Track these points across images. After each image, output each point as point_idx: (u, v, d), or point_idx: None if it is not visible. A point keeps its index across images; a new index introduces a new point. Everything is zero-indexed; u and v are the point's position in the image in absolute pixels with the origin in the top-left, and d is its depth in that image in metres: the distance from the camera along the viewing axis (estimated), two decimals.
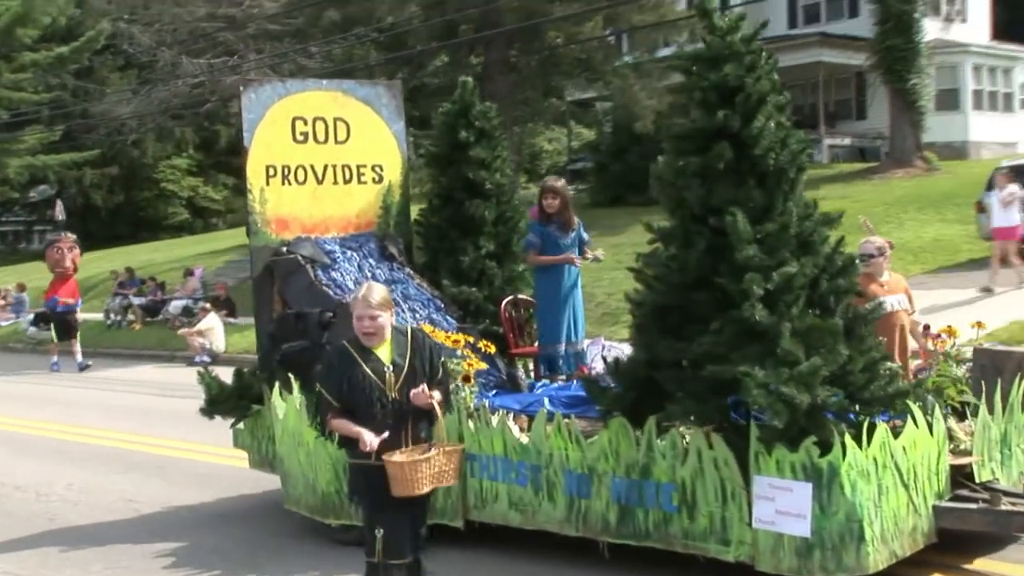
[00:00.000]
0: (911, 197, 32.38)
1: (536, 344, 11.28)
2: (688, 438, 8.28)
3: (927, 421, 8.17)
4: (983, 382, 9.19)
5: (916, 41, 39.88)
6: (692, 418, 8.21)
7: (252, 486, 12.35)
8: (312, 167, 11.21)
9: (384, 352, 7.43)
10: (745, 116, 8.11)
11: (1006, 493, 8.31)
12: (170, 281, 38.53)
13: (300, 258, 10.91)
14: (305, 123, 11.15)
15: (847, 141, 46.50)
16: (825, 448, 7.66)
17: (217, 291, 33.09)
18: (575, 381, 10.57)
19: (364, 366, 7.39)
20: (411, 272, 11.41)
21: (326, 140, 11.26)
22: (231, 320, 29.94)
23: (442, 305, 11.12)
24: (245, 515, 11.53)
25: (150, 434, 17.11)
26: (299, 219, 11.16)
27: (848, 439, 7.62)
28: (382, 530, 7.35)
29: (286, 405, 10.14)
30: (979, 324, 9.85)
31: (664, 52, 37.39)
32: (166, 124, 48.57)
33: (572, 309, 11.19)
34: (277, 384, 10.34)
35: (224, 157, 66.71)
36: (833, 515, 7.62)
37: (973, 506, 8.18)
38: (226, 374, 11.68)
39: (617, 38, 39.61)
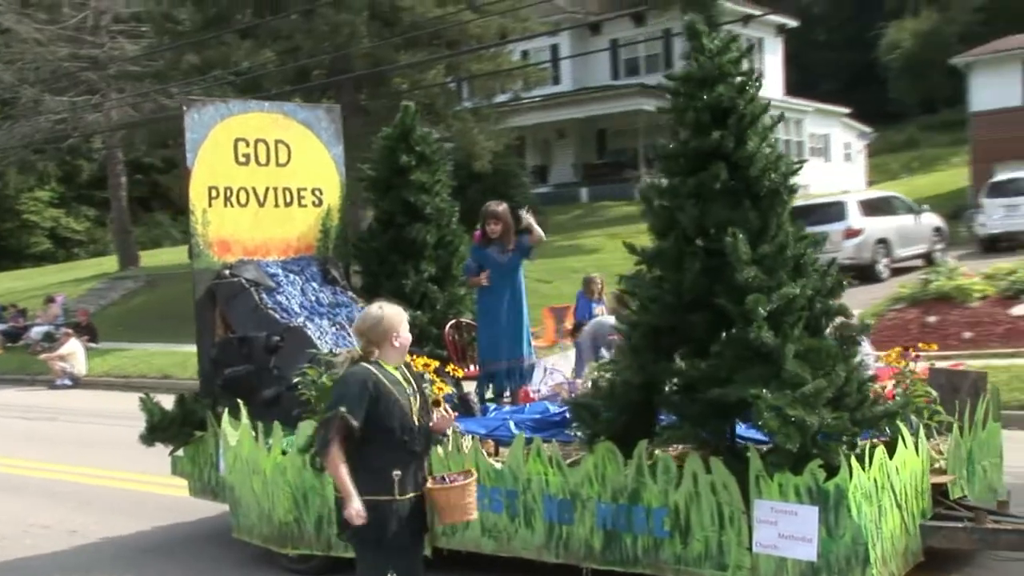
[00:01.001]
0: None
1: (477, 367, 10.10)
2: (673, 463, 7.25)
3: (914, 441, 7.37)
4: (941, 401, 8.30)
5: None
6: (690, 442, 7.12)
7: (172, 515, 10.94)
8: (254, 189, 9.91)
9: (399, 375, 6.19)
10: (738, 137, 7.18)
11: (989, 512, 7.46)
12: (32, 308, 36.50)
13: (244, 281, 9.56)
14: (247, 145, 9.83)
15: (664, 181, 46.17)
16: (829, 471, 6.73)
17: (79, 317, 31.71)
18: (527, 404, 9.44)
19: (394, 390, 6.09)
20: (354, 296, 10.11)
21: (267, 162, 9.96)
22: (92, 345, 28.99)
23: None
24: (187, 545, 10.04)
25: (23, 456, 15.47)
26: (241, 241, 9.83)
27: (853, 461, 6.74)
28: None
29: (239, 432, 8.72)
30: (928, 345, 8.97)
31: (501, 98, 37.81)
32: (28, 158, 46.52)
33: (513, 326, 10.02)
34: (227, 410, 8.89)
35: (86, 190, 63.84)
36: (840, 538, 6.70)
37: (959, 524, 7.36)
38: (89, 397, 10.26)
39: (457, 85, 38.95)
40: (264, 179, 9.97)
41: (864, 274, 24.23)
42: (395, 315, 6.21)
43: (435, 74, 36.09)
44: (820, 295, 7.22)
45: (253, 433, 8.71)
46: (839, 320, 7.40)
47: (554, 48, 47.30)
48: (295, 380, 8.79)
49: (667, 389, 7.32)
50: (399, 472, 6.05)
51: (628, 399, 7.34)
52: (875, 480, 6.87)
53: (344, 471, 5.93)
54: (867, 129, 51.04)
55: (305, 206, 10.26)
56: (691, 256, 7.10)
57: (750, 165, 7.12)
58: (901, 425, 7.29)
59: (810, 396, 6.76)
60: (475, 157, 36.04)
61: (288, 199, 10.12)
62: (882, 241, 26.01)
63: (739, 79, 7.33)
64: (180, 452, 10.02)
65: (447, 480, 6.33)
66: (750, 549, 6.97)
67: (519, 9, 34.92)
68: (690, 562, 7.20)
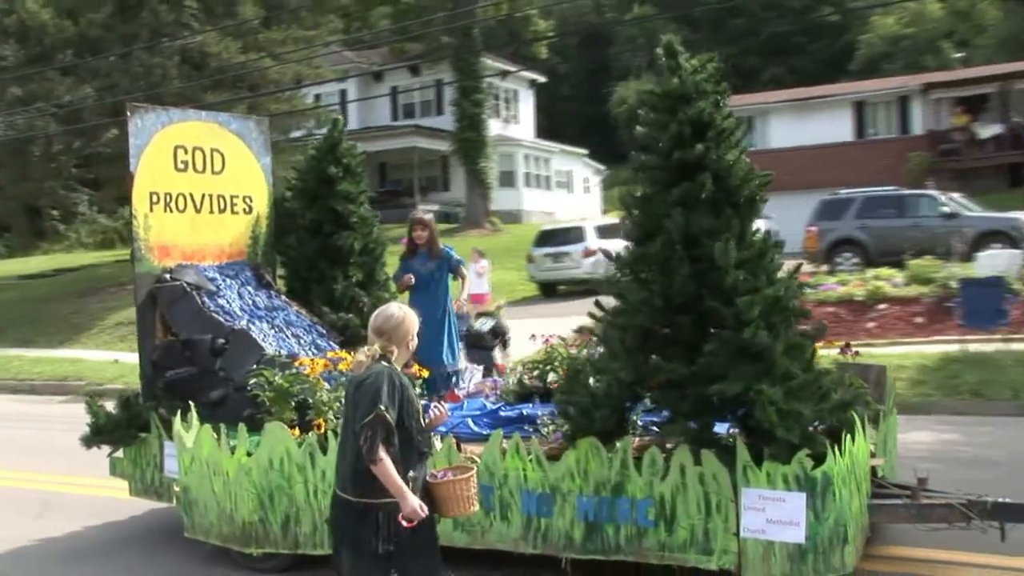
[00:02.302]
0: (497, 251, 31.91)
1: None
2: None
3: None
4: None
5: (484, 135, 42.84)
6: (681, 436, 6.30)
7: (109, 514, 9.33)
8: (191, 195, 8.60)
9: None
10: (718, 149, 6.49)
11: (923, 490, 6.92)
12: None
13: (185, 285, 8.18)
14: (186, 152, 8.52)
15: (436, 207, 45.88)
16: (815, 459, 6.12)
17: None
18: (465, 401, 8.46)
19: (410, 391, 5.19)
20: (287, 299, 8.85)
21: (204, 170, 8.66)
22: None
23: (324, 331, 8.65)
24: (134, 545, 8.50)
25: None
26: (179, 246, 8.52)
27: (836, 449, 6.18)
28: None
29: (199, 434, 7.39)
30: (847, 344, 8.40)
31: (296, 134, 36.82)
32: None
33: (435, 335, 9.02)
34: (179, 413, 7.54)
35: None
36: (825, 521, 6.12)
37: (899, 502, 6.88)
38: None
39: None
40: (201, 186, 8.65)
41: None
42: (413, 318, 5.30)
43: (238, 112, 35.38)
44: (790, 296, 6.54)
45: (214, 435, 7.37)
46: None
47: (343, 92, 46.25)
48: (250, 381, 7.54)
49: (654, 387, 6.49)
50: (414, 473, 5.11)
51: (622, 397, 6.46)
52: (846, 466, 6.28)
53: (394, 472, 4.92)
54: (602, 167, 51.78)
55: (237, 213, 8.97)
56: (679, 261, 6.32)
57: (729, 176, 6.47)
58: (854, 414, 6.69)
59: (798, 390, 6.14)
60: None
61: (222, 206, 8.83)
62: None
63: (714, 96, 6.59)
64: (119, 454, 8.52)
65: (438, 476, 5.35)
66: (736, 534, 6.27)
67: (312, 58, 35.15)
68: (675, 548, 6.44)
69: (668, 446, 6.61)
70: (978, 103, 37.49)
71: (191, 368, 8.04)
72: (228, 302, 8.31)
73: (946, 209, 24.95)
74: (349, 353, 7.95)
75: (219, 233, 8.79)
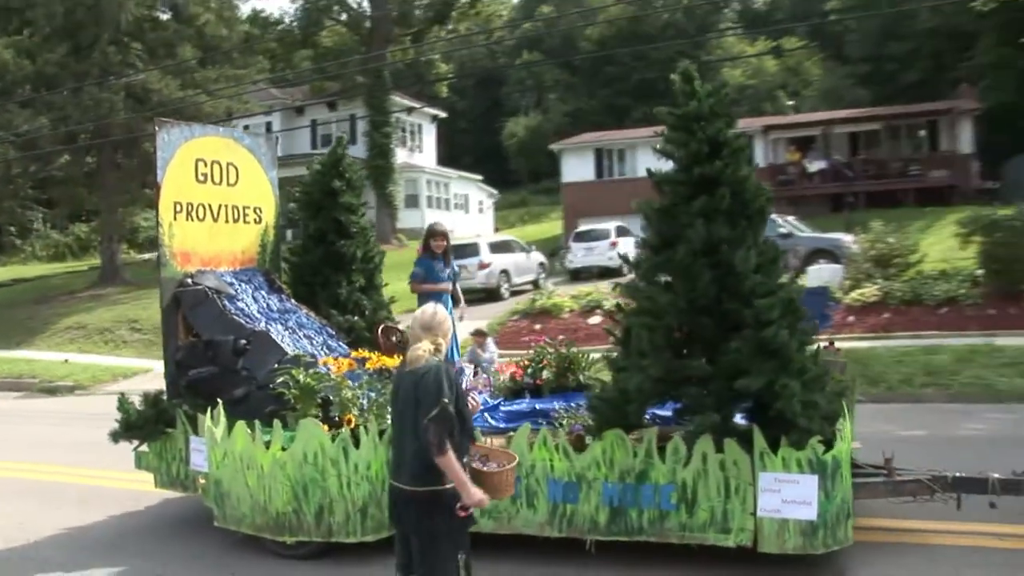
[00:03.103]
0: (394, 264, 31.25)
1: None
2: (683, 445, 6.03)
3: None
4: None
5: (391, 163, 42.16)
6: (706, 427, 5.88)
7: (124, 504, 8.43)
8: (209, 206, 7.83)
9: None
10: (734, 165, 6.12)
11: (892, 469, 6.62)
12: None
13: (207, 289, 7.41)
14: (205, 165, 7.75)
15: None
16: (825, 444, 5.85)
17: None
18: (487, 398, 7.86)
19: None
20: (296, 303, 8.13)
21: (221, 182, 7.89)
22: None
23: (333, 332, 7.96)
24: (157, 533, 7.63)
25: None
26: (198, 253, 7.73)
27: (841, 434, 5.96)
28: (464, 554, 4.59)
29: (234, 430, 6.65)
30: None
31: None
32: None
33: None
34: (208, 410, 6.81)
35: None
36: (834, 499, 5.84)
37: (878, 479, 6.55)
38: None
39: None
40: (218, 197, 7.88)
41: (492, 295, 25.54)
42: (448, 316, 4.83)
43: None
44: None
45: (248, 431, 6.64)
46: None
47: (268, 125, 44.81)
48: (276, 380, 6.84)
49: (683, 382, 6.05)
50: (466, 459, 4.64)
51: (652, 393, 5.99)
52: (844, 450, 5.97)
53: (457, 465, 4.42)
54: (494, 191, 51.33)
55: (248, 223, 8.21)
56: (701, 267, 5.90)
57: (743, 190, 6.09)
58: (844, 402, 6.39)
59: (811, 382, 5.80)
60: None
61: (236, 216, 8.06)
62: (504, 271, 26.78)
63: (725, 118, 6.22)
64: (144, 448, 7.67)
65: (479, 462, 4.88)
66: (753, 514, 5.91)
67: (242, 95, 34.65)
68: (695, 528, 6.05)
69: (676, 435, 6.18)
70: (807, 143, 38.31)
71: (212, 367, 7.27)
72: (246, 305, 7.57)
73: (783, 230, 25.37)
74: (373, 353, 7.33)
75: (233, 241, 8.03)
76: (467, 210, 50.48)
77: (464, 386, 8.28)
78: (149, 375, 20.02)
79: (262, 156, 8.33)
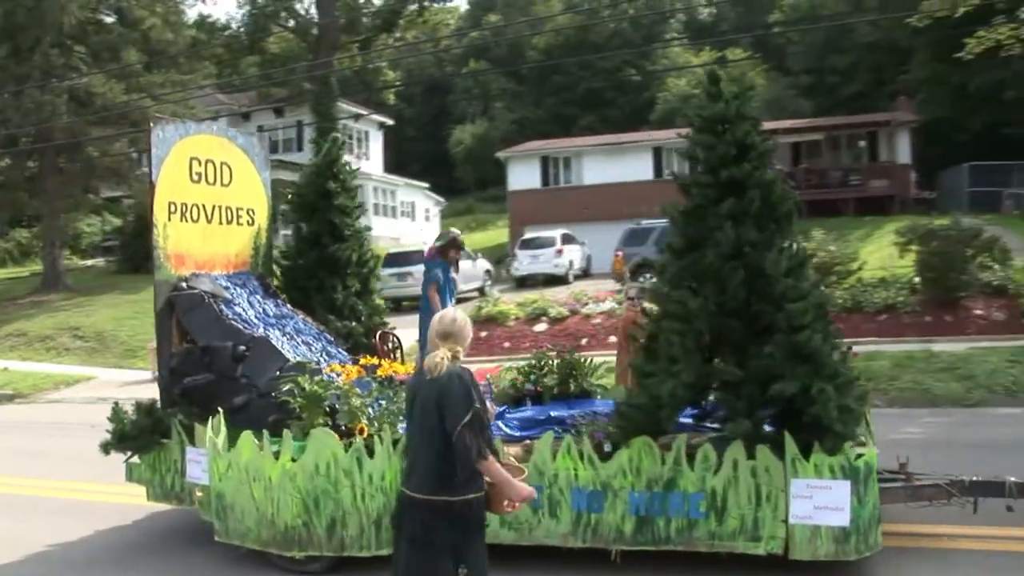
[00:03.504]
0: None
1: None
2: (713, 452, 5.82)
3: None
4: None
5: None
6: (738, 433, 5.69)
7: (107, 518, 7.95)
8: (203, 206, 7.42)
9: None
10: (761, 168, 6.00)
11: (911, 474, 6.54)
12: None
13: (203, 293, 7.04)
14: (199, 164, 7.35)
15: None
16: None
17: None
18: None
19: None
20: (292, 308, 7.77)
21: (215, 182, 7.50)
22: None
23: (332, 339, 7.63)
24: (150, 548, 7.20)
25: None
26: (192, 255, 7.33)
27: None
28: (466, 569, 4.41)
29: (241, 440, 6.30)
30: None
31: None
32: None
33: None
34: (210, 419, 6.43)
35: None
36: (866, 504, 5.69)
37: (898, 484, 6.41)
38: None
39: (138, 154, 36.23)
40: (212, 197, 7.49)
41: None
42: (469, 322, 4.56)
43: (120, 145, 34.68)
44: (828, 300, 6.07)
45: (256, 442, 6.29)
46: None
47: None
48: (280, 387, 6.50)
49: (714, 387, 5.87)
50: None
51: (684, 399, 5.79)
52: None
53: (498, 466, 4.29)
54: (441, 199, 50.97)
55: (242, 225, 7.83)
56: (732, 270, 5.72)
57: (771, 193, 5.92)
58: (867, 410, 6.30)
59: (844, 386, 5.64)
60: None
61: (229, 217, 7.68)
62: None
63: (751, 120, 6.07)
64: (135, 459, 7.24)
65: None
66: (784, 521, 5.73)
67: (188, 100, 33.80)
68: (724, 537, 5.86)
69: (694, 442, 6.00)
70: None
71: (209, 375, 6.89)
72: (243, 310, 7.20)
73: None
74: (384, 360, 7.02)
75: (227, 243, 7.64)
76: (413, 218, 50.06)
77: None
78: (92, 383, 19.36)
79: (255, 156, 7.96)
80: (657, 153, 40.26)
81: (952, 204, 30.42)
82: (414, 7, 44.97)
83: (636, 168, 39.47)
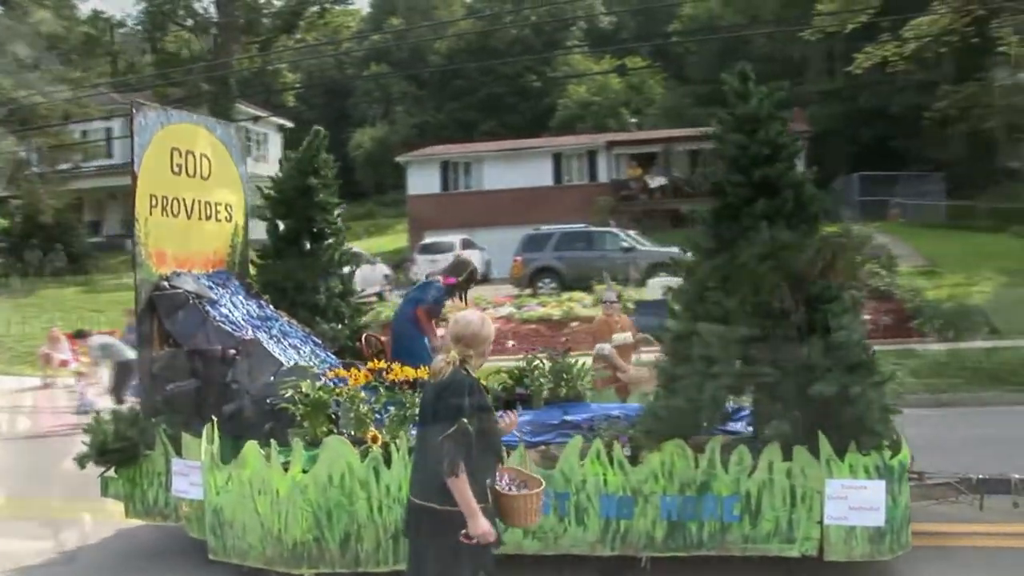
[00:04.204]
0: None
1: None
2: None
3: None
4: None
5: None
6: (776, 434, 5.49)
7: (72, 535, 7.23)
8: (183, 200, 6.82)
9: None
10: (792, 168, 5.87)
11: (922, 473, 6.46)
12: None
13: (187, 293, 6.48)
14: (180, 155, 6.78)
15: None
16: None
17: None
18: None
19: (487, 397, 4.42)
20: (275, 310, 7.24)
21: (195, 174, 6.93)
22: None
23: (319, 342, 7.14)
24: (128, 566, 6.54)
25: None
26: (173, 253, 6.72)
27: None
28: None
29: (245, 451, 5.77)
30: None
31: (63, 166, 35.06)
32: None
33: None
34: (207, 429, 5.90)
35: None
36: (899, 504, 5.56)
37: (912, 483, 6.13)
38: None
39: (27, 154, 34.73)
40: (192, 191, 6.90)
41: None
42: (491, 326, 4.37)
43: (8, 144, 32.22)
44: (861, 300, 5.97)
45: (262, 452, 5.78)
46: None
47: (108, 130, 41.86)
48: (279, 393, 6.02)
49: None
50: (489, 479, 4.24)
51: (723, 400, 5.57)
52: None
53: (468, 490, 4.01)
54: (341, 202, 49.98)
55: (220, 221, 7.26)
56: (767, 271, 5.55)
57: (802, 193, 5.75)
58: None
59: (882, 384, 5.51)
60: (39, 212, 34.04)
61: (208, 213, 7.10)
62: None
63: (780, 119, 5.92)
64: (111, 473, 6.58)
65: (502, 480, 4.38)
66: (819, 522, 5.56)
67: (81, 97, 32.75)
68: (758, 540, 5.66)
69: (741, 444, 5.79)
70: (648, 159, 39.15)
71: (194, 380, 6.34)
72: (229, 311, 6.65)
73: (625, 244, 25.70)
74: (394, 364, 6.56)
75: (206, 241, 7.06)
76: None
77: None
78: None
79: (233, 148, 7.39)
80: (557, 159, 40.37)
81: (844, 212, 31.35)
82: (315, 9, 43.97)
83: (535, 174, 39.46)
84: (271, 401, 6.18)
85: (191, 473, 6.11)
